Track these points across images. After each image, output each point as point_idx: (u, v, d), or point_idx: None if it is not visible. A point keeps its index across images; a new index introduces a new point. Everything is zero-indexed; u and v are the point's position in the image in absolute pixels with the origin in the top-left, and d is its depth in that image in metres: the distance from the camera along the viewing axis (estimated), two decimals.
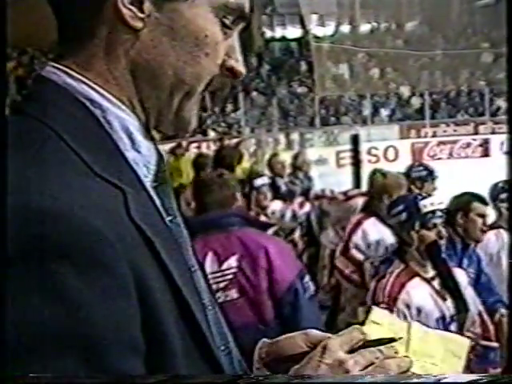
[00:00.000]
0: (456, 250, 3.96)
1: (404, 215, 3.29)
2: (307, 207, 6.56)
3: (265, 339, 1.11)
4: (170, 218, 0.94)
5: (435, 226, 3.21)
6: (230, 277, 2.82)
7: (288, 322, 2.79)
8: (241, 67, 0.97)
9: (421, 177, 5.34)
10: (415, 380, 0.77)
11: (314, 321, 2.84)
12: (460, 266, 3.67)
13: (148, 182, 0.92)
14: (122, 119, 0.89)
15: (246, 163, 9.15)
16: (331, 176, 11.27)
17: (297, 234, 5.98)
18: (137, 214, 0.81)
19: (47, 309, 0.71)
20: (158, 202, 0.92)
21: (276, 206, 6.35)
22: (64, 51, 0.91)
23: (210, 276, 2.66)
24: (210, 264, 2.82)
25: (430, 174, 5.38)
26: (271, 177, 6.83)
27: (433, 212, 3.22)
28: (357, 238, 4.76)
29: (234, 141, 13.01)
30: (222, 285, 2.81)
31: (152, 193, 0.91)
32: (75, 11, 0.89)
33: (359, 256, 4.73)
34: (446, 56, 24.68)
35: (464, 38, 24.98)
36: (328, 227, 5.83)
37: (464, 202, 4.08)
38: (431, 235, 3.20)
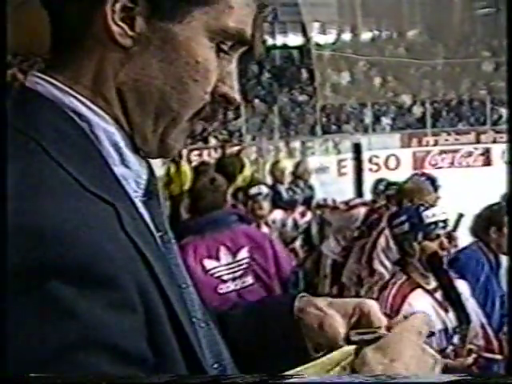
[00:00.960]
0: (492, 265, 3.90)
1: (406, 226, 3.28)
2: (308, 216, 6.55)
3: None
4: (160, 233, 0.92)
5: (438, 236, 3.20)
6: (244, 266, 3.28)
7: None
8: (235, 94, 0.92)
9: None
10: (414, 380, 0.75)
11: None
12: (499, 285, 3.62)
13: (138, 196, 0.89)
14: (110, 134, 0.86)
15: (247, 171, 9.15)
16: (332, 184, 11.28)
17: (297, 243, 5.97)
18: (130, 229, 0.79)
19: (53, 330, 0.69)
20: (147, 217, 0.90)
21: (277, 214, 6.34)
22: (54, 60, 0.89)
23: (225, 267, 2.95)
24: (224, 257, 3.26)
25: (433, 184, 5.37)
26: (272, 185, 6.83)
27: (436, 223, 3.20)
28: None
29: (236, 148, 13.02)
30: (238, 273, 3.27)
31: (142, 208, 0.89)
32: (67, 21, 0.87)
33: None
34: (447, 65, 24.73)
35: (465, 47, 25.03)
36: (329, 236, 5.82)
37: (497, 215, 3.94)
38: (433, 246, 3.18)
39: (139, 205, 0.89)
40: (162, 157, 0.94)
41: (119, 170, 0.87)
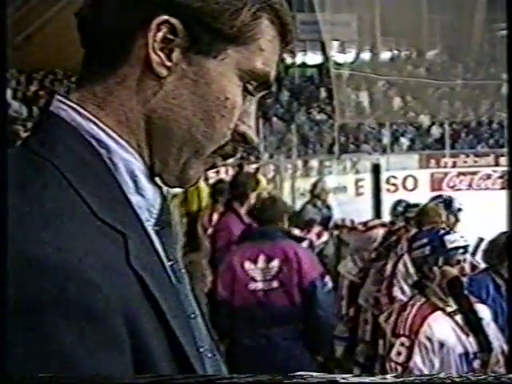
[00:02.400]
0: (501, 291, 3.87)
1: (427, 249, 3.25)
2: (325, 237, 6.53)
3: None
4: (170, 262, 0.92)
5: (458, 262, 3.17)
6: (273, 273, 4.08)
7: (307, 304, 4.06)
8: (253, 135, 0.95)
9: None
10: (412, 378, 0.74)
11: (326, 307, 4.15)
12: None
13: (150, 225, 0.90)
14: (128, 162, 0.87)
15: (261, 189, 9.14)
16: (350, 204, 11.25)
17: None
18: (136, 261, 0.79)
19: (38, 358, 0.69)
20: (159, 246, 0.90)
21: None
22: (84, 81, 0.90)
23: (259, 270, 3.78)
24: (260, 262, 4.11)
25: (453, 207, 5.33)
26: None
27: (457, 248, 3.18)
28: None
29: (253, 166, 13.05)
30: (267, 277, 4.09)
31: (154, 237, 0.90)
32: (104, 46, 0.89)
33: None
34: (466, 86, 24.68)
35: (484, 69, 24.99)
36: (346, 257, 5.79)
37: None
38: (454, 271, 3.16)
39: (151, 234, 0.89)
40: (180, 186, 0.96)
41: (134, 198, 0.87)
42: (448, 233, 3.32)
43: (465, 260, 3.22)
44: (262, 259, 4.09)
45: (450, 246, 3.20)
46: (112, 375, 0.72)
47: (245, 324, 4.12)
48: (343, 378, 0.69)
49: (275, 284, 4.07)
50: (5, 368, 0.68)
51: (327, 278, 4.21)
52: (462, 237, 3.29)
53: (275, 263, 4.07)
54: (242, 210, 5.60)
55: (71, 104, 0.88)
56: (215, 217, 6.62)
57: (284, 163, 15.39)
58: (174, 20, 0.86)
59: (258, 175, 9.29)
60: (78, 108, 0.87)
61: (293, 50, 0.97)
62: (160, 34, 0.86)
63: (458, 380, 0.69)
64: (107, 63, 0.88)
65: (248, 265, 4.10)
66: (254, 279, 4.08)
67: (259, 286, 4.08)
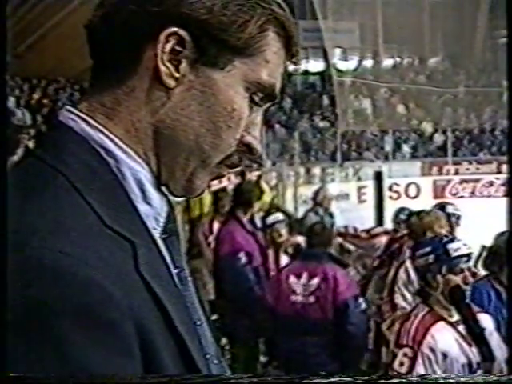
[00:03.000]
0: (502, 298, 3.85)
1: (431, 257, 3.24)
2: None
3: None
4: (177, 270, 0.94)
5: (462, 270, 3.16)
6: (311, 289, 4.64)
7: (340, 320, 4.55)
8: (258, 145, 0.96)
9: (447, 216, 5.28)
10: (415, 379, 0.75)
11: (358, 324, 4.59)
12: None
13: (157, 233, 0.91)
14: (135, 171, 0.89)
15: (266, 197, 9.13)
16: (352, 211, 11.23)
17: None
18: (145, 268, 0.81)
19: (51, 365, 0.70)
20: (166, 254, 0.92)
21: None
22: (92, 92, 0.92)
23: (301, 285, 4.39)
24: (304, 278, 4.69)
25: (454, 215, 5.33)
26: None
27: (460, 256, 3.17)
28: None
29: (255, 174, 13.01)
30: (306, 292, 4.65)
31: (161, 245, 0.91)
32: (113, 57, 0.90)
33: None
34: (468, 93, 24.69)
35: (487, 76, 25.00)
36: (349, 265, 5.79)
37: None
38: (457, 280, 3.15)
39: (159, 242, 0.91)
40: (186, 196, 0.97)
41: (141, 206, 0.89)
42: (452, 241, 3.31)
43: (468, 268, 3.21)
44: (305, 276, 4.70)
45: (453, 254, 3.19)
46: (115, 375, 0.73)
47: (284, 330, 4.73)
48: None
49: (312, 299, 4.64)
50: (5, 368, 0.69)
51: (361, 300, 4.68)
52: (465, 245, 3.28)
53: (315, 281, 4.65)
54: (245, 219, 5.60)
55: (80, 114, 0.89)
56: (216, 225, 6.63)
57: (286, 170, 15.37)
58: (182, 32, 0.88)
59: (262, 184, 9.27)
60: (87, 118, 0.89)
61: (298, 62, 0.99)
62: (169, 46, 0.88)
63: (454, 381, 0.69)
64: (116, 74, 0.90)
65: (292, 279, 4.73)
66: (295, 292, 4.69)
67: (298, 298, 4.68)
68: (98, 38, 0.92)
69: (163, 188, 0.94)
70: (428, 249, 3.30)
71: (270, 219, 5.74)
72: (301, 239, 6.04)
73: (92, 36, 0.93)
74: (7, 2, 0.86)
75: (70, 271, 0.73)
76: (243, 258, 5.29)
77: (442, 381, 0.71)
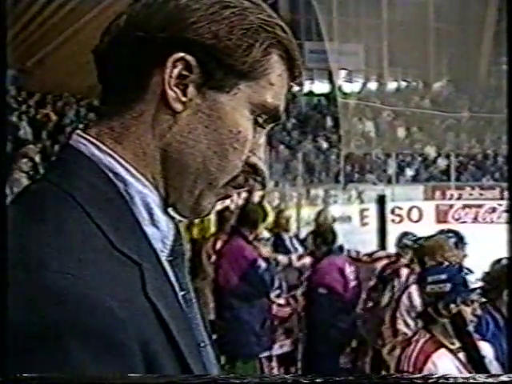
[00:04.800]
0: (499, 325, 3.85)
1: (448, 286, 3.22)
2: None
3: None
4: (183, 292, 0.95)
5: (473, 302, 3.16)
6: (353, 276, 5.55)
7: None
8: (263, 166, 0.98)
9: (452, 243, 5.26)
10: (419, 380, 0.75)
11: None
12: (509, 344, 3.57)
13: (164, 256, 0.92)
14: (144, 194, 0.90)
15: (270, 219, 9.12)
16: (354, 234, 11.21)
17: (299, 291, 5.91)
18: (152, 290, 0.82)
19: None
20: (172, 277, 0.93)
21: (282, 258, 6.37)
22: (102, 115, 0.94)
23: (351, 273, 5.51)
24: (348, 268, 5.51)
25: (461, 241, 5.30)
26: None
27: (476, 289, 3.17)
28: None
29: (258, 194, 12.98)
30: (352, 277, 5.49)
31: (167, 268, 0.92)
32: (121, 82, 0.92)
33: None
34: (472, 118, 24.73)
35: (490, 101, 25.03)
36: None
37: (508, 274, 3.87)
38: (467, 311, 3.14)
39: (165, 264, 0.92)
40: (194, 217, 0.99)
41: (149, 229, 0.90)
42: (470, 272, 3.29)
43: (478, 300, 3.19)
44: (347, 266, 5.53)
45: (471, 286, 3.17)
46: (115, 375, 0.74)
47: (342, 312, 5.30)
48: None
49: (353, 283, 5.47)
50: (5, 368, 0.70)
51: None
52: (477, 278, 3.27)
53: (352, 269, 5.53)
54: (251, 237, 5.61)
55: (90, 138, 0.91)
56: (219, 244, 6.62)
57: (289, 191, 15.38)
58: (189, 57, 0.89)
59: (266, 206, 9.28)
60: (97, 142, 0.90)
61: (300, 84, 1.00)
62: (176, 71, 0.89)
63: (454, 381, 0.70)
64: (124, 99, 0.91)
65: (348, 268, 5.50)
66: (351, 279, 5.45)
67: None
68: (106, 64, 0.93)
69: (171, 209, 0.95)
70: (444, 276, 3.27)
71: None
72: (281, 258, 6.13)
73: (100, 62, 0.94)
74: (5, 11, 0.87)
75: (78, 293, 0.74)
76: (262, 264, 5.33)
77: (441, 380, 0.71)
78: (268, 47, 0.92)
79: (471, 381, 0.70)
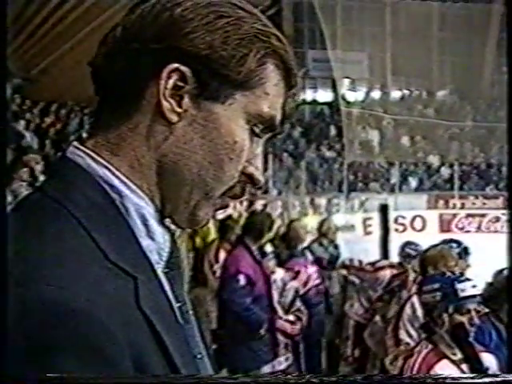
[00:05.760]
0: (501, 336, 3.83)
1: (439, 295, 3.21)
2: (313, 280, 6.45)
3: None
4: (179, 304, 0.95)
5: (468, 311, 3.14)
6: None
7: None
8: (260, 176, 0.98)
9: (456, 253, 5.23)
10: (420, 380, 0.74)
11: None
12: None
13: (159, 267, 0.92)
14: (139, 206, 0.90)
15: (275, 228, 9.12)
16: (358, 243, 11.19)
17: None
18: (146, 303, 0.82)
19: None
20: (168, 288, 0.93)
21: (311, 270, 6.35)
22: (98, 126, 0.94)
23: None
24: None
25: (464, 251, 5.26)
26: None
27: (468, 297, 3.15)
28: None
29: (261, 202, 13.01)
30: None
31: (163, 279, 0.92)
32: (116, 94, 0.92)
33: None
34: (475, 127, 24.72)
35: (494, 110, 25.03)
36: (353, 298, 5.77)
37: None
38: (463, 320, 3.13)
39: (161, 276, 0.92)
40: (191, 227, 0.99)
41: (145, 241, 0.90)
42: (461, 281, 3.26)
43: (475, 309, 3.17)
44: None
45: (461, 294, 3.14)
46: (112, 375, 0.74)
47: None
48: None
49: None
50: (5, 368, 0.70)
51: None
52: (474, 286, 3.24)
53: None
54: (254, 247, 5.59)
55: (86, 150, 0.91)
56: (222, 253, 6.62)
57: (292, 200, 15.37)
58: (183, 68, 0.89)
59: (272, 216, 9.27)
60: (93, 154, 0.90)
61: (296, 93, 1.00)
62: (171, 82, 0.89)
63: (453, 381, 0.69)
64: (120, 110, 0.92)
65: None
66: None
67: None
68: (102, 76, 0.93)
69: (168, 220, 0.95)
70: (436, 285, 3.26)
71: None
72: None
73: (96, 73, 0.94)
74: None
75: (70, 306, 0.74)
76: (242, 280, 5.27)
77: (449, 381, 0.70)
78: (263, 57, 0.92)
79: (470, 381, 0.69)
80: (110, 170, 0.90)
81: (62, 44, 15.74)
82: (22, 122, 14.80)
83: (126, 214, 0.89)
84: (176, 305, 0.94)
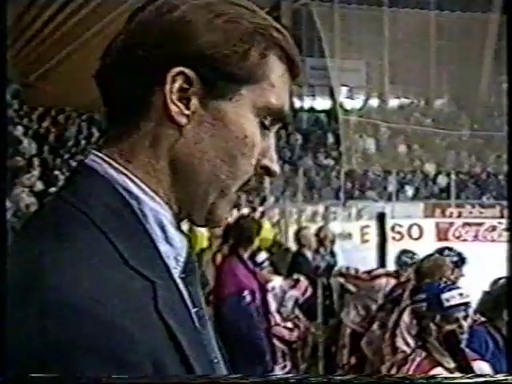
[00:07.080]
0: (499, 345, 3.82)
1: (424, 305, 3.23)
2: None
3: None
4: (195, 309, 0.96)
5: (457, 319, 3.14)
6: None
7: None
8: (275, 167, 0.98)
9: (452, 262, 5.23)
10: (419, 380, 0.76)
11: None
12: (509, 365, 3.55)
13: (177, 273, 0.93)
14: (156, 212, 0.91)
15: (266, 233, 9.12)
16: (355, 251, 11.19)
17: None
18: (164, 308, 0.82)
19: None
20: (185, 293, 0.93)
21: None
22: (110, 137, 0.95)
23: None
24: None
25: (462, 261, 5.26)
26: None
27: (455, 306, 3.15)
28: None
29: (259, 210, 13.02)
30: None
31: (180, 285, 0.93)
32: (124, 103, 0.93)
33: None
34: (472, 136, 24.75)
35: (491, 120, 25.06)
36: (350, 306, 5.77)
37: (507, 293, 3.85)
38: (453, 328, 3.12)
39: (178, 281, 0.93)
40: (210, 226, 1.00)
41: (162, 246, 0.91)
42: (447, 290, 3.26)
43: (465, 317, 3.17)
44: None
45: (446, 304, 3.14)
46: (115, 375, 0.75)
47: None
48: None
49: None
50: (5, 368, 0.71)
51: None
52: (461, 294, 3.23)
53: None
54: (246, 255, 5.58)
55: (104, 157, 0.92)
56: (219, 257, 6.61)
57: (289, 207, 15.37)
58: (187, 70, 0.89)
59: (262, 219, 9.28)
60: (111, 161, 0.91)
61: (300, 85, 1.01)
62: (176, 85, 0.90)
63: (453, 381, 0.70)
64: (129, 119, 0.92)
65: None
66: None
67: None
68: (108, 86, 0.94)
69: (184, 227, 0.96)
70: (423, 295, 3.27)
71: (259, 258, 5.80)
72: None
73: (102, 85, 0.95)
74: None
75: (90, 312, 0.74)
76: (247, 297, 5.27)
77: (446, 381, 0.71)
78: (265, 50, 0.93)
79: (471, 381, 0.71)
80: (127, 176, 0.91)
81: (61, 50, 15.76)
82: (20, 128, 14.79)
83: (144, 220, 0.90)
84: (193, 310, 0.94)
